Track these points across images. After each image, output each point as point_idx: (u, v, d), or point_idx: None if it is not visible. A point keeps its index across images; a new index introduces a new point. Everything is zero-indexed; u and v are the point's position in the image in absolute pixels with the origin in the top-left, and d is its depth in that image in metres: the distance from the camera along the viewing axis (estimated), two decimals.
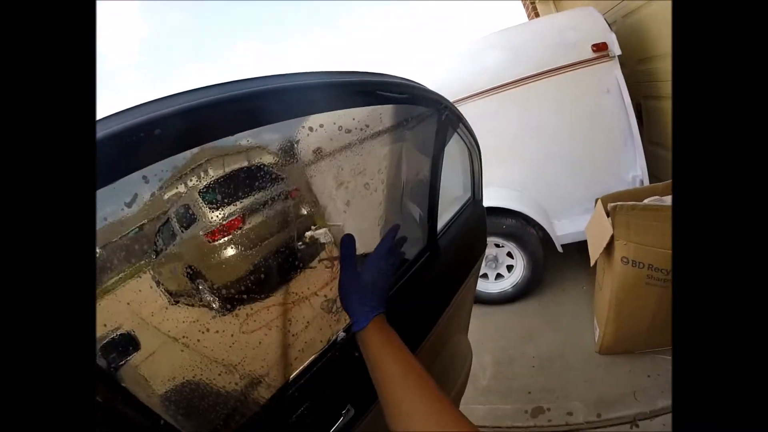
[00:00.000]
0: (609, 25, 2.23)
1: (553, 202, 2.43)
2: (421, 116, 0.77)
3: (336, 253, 0.67)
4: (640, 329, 1.74)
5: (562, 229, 2.40)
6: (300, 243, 0.56)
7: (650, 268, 1.58)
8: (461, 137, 0.99)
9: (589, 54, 2.14)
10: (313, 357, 0.66)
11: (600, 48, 2.12)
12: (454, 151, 1.00)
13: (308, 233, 0.56)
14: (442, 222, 0.98)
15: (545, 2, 5.08)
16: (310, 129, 0.55)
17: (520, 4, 6.07)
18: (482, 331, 2.33)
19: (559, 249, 2.37)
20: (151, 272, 0.54)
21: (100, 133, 0.33)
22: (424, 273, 0.85)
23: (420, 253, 0.91)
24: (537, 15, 5.18)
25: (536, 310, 2.49)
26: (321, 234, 0.58)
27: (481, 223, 1.20)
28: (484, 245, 1.22)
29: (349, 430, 0.65)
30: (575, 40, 2.17)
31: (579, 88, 2.19)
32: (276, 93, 0.45)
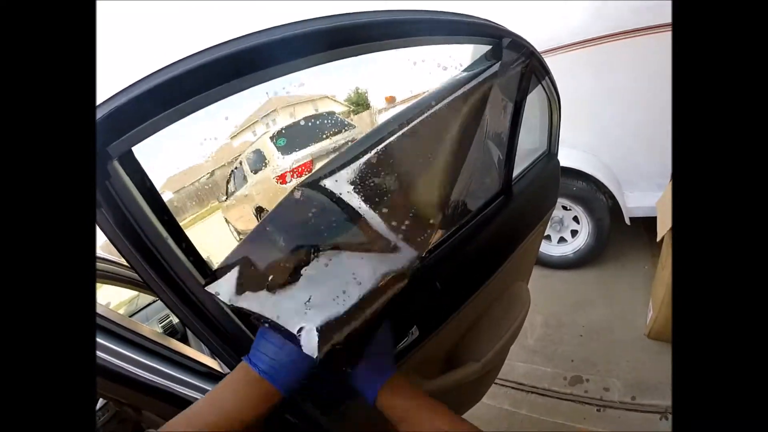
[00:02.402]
0: None
1: (627, 172, 2.15)
2: (509, 61, 0.75)
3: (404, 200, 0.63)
4: None
5: (633, 202, 2.13)
6: (367, 186, 0.55)
7: None
8: (543, 88, 0.97)
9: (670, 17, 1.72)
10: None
11: None
12: (534, 101, 0.98)
13: (376, 180, 0.55)
14: (517, 170, 0.99)
15: None
16: (414, 63, 0.61)
17: None
18: (536, 293, 2.25)
19: (627, 221, 2.14)
20: (223, 213, 0.74)
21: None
22: (496, 216, 0.87)
23: (494, 196, 0.93)
24: None
25: (593, 281, 2.32)
26: (390, 180, 0.56)
27: (554, 177, 1.18)
28: (555, 200, 1.20)
29: (411, 350, 0.73)
30: (656, 2, 1.83)
31: (664, 52, 1.80)
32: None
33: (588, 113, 2.15)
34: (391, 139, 0.53)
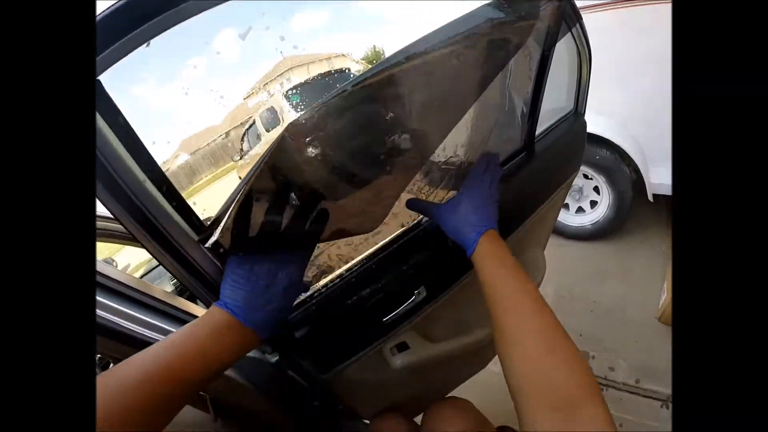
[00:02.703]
0: None
1: (654, 145, 2.00)
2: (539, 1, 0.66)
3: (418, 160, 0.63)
4: None
5: (658, 178, 2.00)
6: (382, 148, 0.54)
7: None
8: (573, 37, 0.88)
9: None
10: (394, 235, 0.69)
11: None
12: (562, 53, 0.89)
13: (391, 138, 0.54)
14: (541, 127, 0.92)
15: None
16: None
17: None
18: (551, 262, 2.20)
19: (650, 198, 2.03)
20: (237, 173, 0.72)
21: None
22: (515, 174, 0.82)
23: (514, 153, 0.87)
24: None
25: (610, 256, 2.24)
26: (404, 140, 0.55)
27: (580, 139, 1.08)
28: (579, 164, 1.11)
29: (417, 311, 0.71)
30: None
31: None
32: None
33: (619, 78, 2.00)
34: (400, 70, 0.46)
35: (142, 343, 0.56)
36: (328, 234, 0.56)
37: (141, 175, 0.42)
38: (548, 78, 0.80)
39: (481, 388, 1.68)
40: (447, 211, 0.61)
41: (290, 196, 0.48)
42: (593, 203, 2.30)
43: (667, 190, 2.02)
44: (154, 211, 0.44)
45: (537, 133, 0.92)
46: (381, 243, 0.69)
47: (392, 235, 0.70)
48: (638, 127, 2.05)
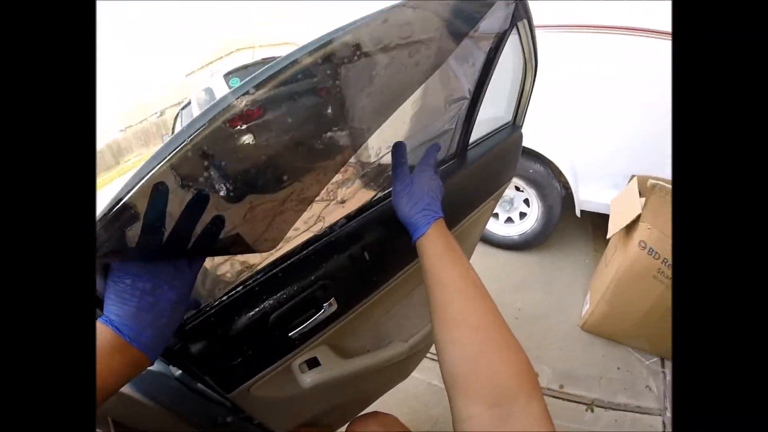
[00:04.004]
0: None
1: (585, 165, 2.16)
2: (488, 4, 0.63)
3: (350, 157, 0.62)
4: (629, 320, 1.69)
5: (587, 195, 2.15)
6: (319, 143, 0.53)
7: (664, 262, 1.49)
8: (522, 46, 0.86)
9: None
10: (304, 240, 0.65)
11: None
12: (506, 62, 0.86)
13: (328, 134, 0.53)
14: (475, 135, 0.91)
15: None
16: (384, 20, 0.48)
17: None
18: (478, 270, 2.24)
19: (578, 213, 2.17)
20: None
21: None
22: (445, 179, 0.78)
23: (447, 158, 0.85)
24: None
25: (534, 266, 2.37)
26: (342, 136, 0.54)
27: (514, 151, 1.07)
28: (511, 175, 1.11)
29: (327, 325, 0.67)
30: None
31: (650, 57, 1.84)
32: None
33: (560, 98, 2.11)
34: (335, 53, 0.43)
35: None
36: (223, 244, 0.50)
37: None
38: (490, 85, 0.78)
39: (405, 395, 1.67)
40: (403, 190, 0.61)
41: (213, 186, 0.44)
42: (522, 215, 2.40)
43: (594, 207, 2.16)
44: None
45: (471, 140, 0.90)
46: (287, 249, 0.63)
47: (300, 242, 0.64)
48: (573, 146, 2.17)
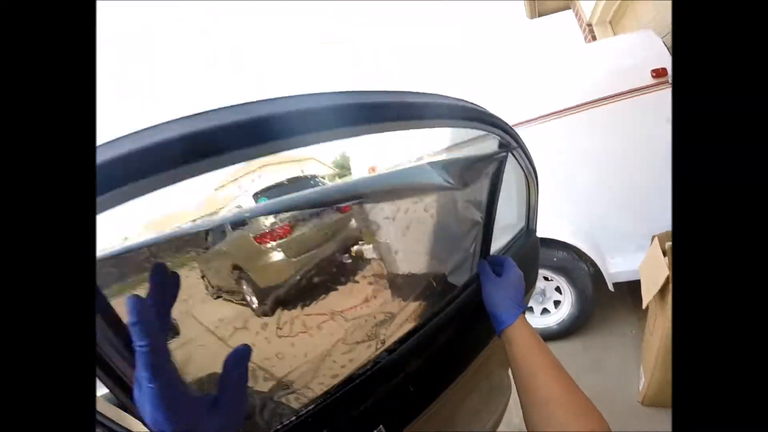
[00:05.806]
0: (669, 49, 2.04)
1: (606, 236, 2.19)
2: (484, 138, 0.71)
3: (381, 270, 0.63)
4: None
5: (615, 267, 2.14)
6: (346, 256, 0.55)
7: None
8: (518, 162, 0.94)
9: (649, 80, 2.03)
10: (350, 372, 0.65)
11: (660, 74, 2.01)
12: (509, 177, 0.94)
13: (355, 247, 0.55)
14: (494, 248, 0.95)
15: (602, 26, 4.71)
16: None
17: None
18: None
19: (611, 288, 2.13)
20: (198, 265, 0.55)
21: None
22: (473, 299, 0.80)
23: (472, 279, 0.86)
24: (594, 39, 4.70)
25: (580, 352, 2.25)
26: (367, 250, 0.57)
27: (533, 255, 1.11)
28: (535, 279, 1.13)
29: None
30: (633, 65, 2.09)
31: (636, 116, 2.06)
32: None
33: (566, 180, 2.21)
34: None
35: None
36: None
37: None
38: (501, 199, 0.86)
39: None
40: (495, 284, 0.69)
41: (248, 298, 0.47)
42: (557, 303, 2.36)
43: (626, 276, 2.13)
44: None
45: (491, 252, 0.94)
46: (335, 382, 0.64)
47: (347, 373, 0.65)
48: (589, 223, 2.23)
